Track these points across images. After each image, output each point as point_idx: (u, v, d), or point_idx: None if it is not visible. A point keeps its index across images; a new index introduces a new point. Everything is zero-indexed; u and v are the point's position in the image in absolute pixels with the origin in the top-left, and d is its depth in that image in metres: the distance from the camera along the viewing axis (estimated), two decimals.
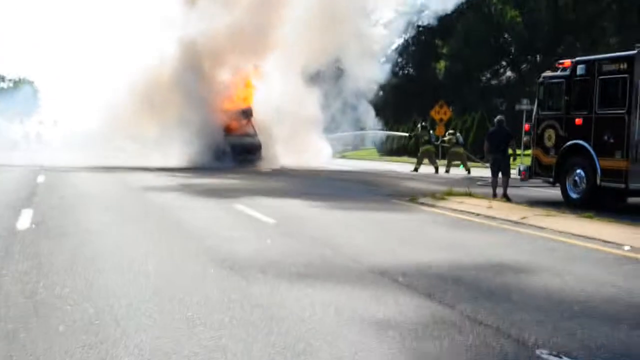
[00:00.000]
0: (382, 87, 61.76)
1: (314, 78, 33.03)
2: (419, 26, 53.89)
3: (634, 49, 12.47)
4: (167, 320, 5.09)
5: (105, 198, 14.02)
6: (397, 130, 47.87)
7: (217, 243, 8.52)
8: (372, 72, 35.32)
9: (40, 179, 18.89)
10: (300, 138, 31.46)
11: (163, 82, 29.40)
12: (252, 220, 10.91)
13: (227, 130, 29.17)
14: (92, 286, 6.11)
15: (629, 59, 12.45)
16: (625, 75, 12.42)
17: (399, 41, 60.87)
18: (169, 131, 30.18)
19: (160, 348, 4.46)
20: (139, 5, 30.29)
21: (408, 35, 57.75)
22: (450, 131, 29.23)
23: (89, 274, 6.61)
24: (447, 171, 26.21)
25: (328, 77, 34.32)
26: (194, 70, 28.93)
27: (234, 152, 28.47)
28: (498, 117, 15.54)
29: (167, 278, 6.48)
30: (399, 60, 61.33)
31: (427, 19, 53.29)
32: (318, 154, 32.69)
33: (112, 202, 13.36)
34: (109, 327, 4.90)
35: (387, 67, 39.82)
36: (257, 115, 30.50)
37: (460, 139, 27.56)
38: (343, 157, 45.58)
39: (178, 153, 28.71)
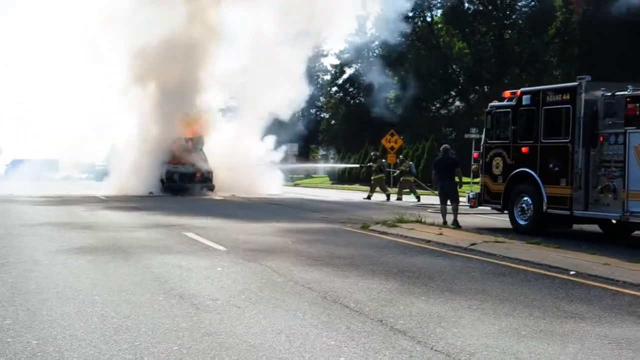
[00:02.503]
0: (334, 116, 62.32)
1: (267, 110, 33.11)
2: (369, 57, 54.76)
3: (575, 81, 12.88)
4: (113, 350, 4.95)
5: (51, 228, 13.67)
6: (349, 158, 48.24)
7: (167, 271, 8.37)
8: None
9: None
10: (253, 166, 31.35)
11: (110, 109, 29.13)
12: (203, 247, 10.77)
13: (177, 159, 28.91)
14: (34, 317, 5.92)
15: (571, 90, 12.84)
16: (568, 106, 12.79)
17: (350, 71, 61.77)
18: (117, 160, 29.82)
19: None
20: (86, 32, 30.02)
21: (359, 65, 58.61)
22: (401, 157, 29.59)
23: (32, 304, 6.41)
24: (398, 199, 26.44)
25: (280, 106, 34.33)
26: (143, 97, 28.71)
27: (183, 180, 28.19)
28: (444, 145, 15.84)
29: (114, 307, 6.32)
30: (351, 89, 62.10)
31: (378, 49, 54.31)
32: (270, 182, 32.62)
33: (58, 232, 13.03)
34: (52, 358, 4.75)
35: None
36: (210, 144, 30.34)
37: (413, 168, 27.92)
38: (296, 184, 45.62)
39: (126, 181, 28.28)
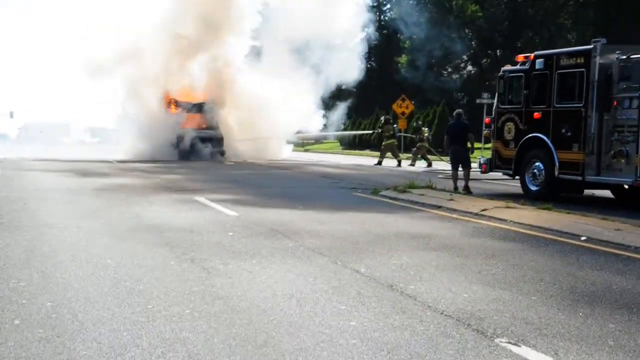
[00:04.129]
0: (340, 85, 61.83)
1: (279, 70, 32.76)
2: (380, 20, 54.13)
3: (590, 44, 12.70)
4: (126, 313, 5.02)
5: (64, 192, 13.77)
6: (360, 124, 48.04)
7: (179, 235, 8.43)
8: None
9: None
10: (263, 131, 31.24)
11: (122, 73, 28.97)
12: (214, 212, 10.83)
13: (189, 124, 28.92)
14: (49, 280, 5.99)
15: (586, 54, 12.66)
16: (582, 70, 12.63)
17: (362, 35, 61.02)
18: (129, 124, 29.85)
19: (119, 340, 4.40)
20: None
21: (370, 29, 57.95)
22: (419, 122, 29.49)
23: (46, 267, 6.49)
24: (412, 164, 26.38)
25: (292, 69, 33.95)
26: (155, 61, 28.52)
27: (195, 144, 28.23)
28: (457, 110, 15.73)
29: (127, 271, 6.39)
30: (362, 54, 61.44)
31: (389, 13, 53.65)
32: (281, 148, 32.64)
33: (71, 196, 13.12)
34: (66, 320, 4.81)
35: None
36: (221, 108, 30.24)
37: (429, 135, 27.95)
38: (306, 150, 45.62)
39: (137, 146, 28.35)
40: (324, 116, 37.46)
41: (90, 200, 12.31)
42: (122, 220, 9.74)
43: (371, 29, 52.60)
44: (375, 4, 55.52)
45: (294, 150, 37.18)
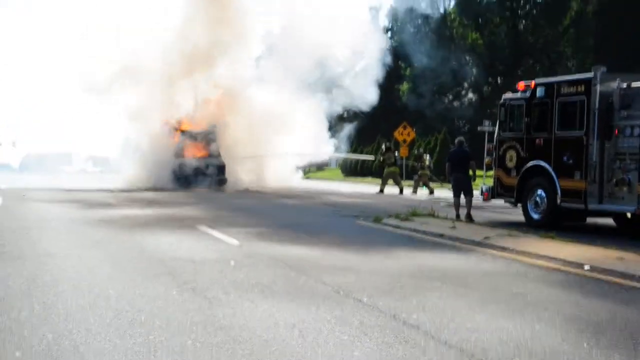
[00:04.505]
0: (347, 109, 62.12)
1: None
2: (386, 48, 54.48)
3: (590, 72, 12.77)
4: (127, 344, 4.98)
5: (67, 221, 13.76)
6: (362, 151, 48.10)
7: (180, 265, 8.40)
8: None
9: None
10: (266, 159, 31.23)
11: (124, 92, 28.97)
12: (216, 241, 10.81)
13: (190, 151, 28.97)
14: (50, 310, 5.96)
15: (586, 82, 12.73)
16: (583, 97, 12.69)
17: (363, 63, 61.43)
18: (130, 151, 29.90)
19: None
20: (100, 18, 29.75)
21: (371, 57, 58.31)
22: (420, 150, 29.55)
23: (48, 297, 6.46)
24: (414, 192, 26.37)
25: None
26: (158, 80, 28.49)
27: (195, 173, 28.21)
28: (458, 138, 15.78)
29: (128, 301, 6.36)
30: (376, 78, 61.72)
31: (390, 41, 54.03)
32: (285, 175, 32.60)
33: (73, 225, 13.12)
34: (67, 352, 4.78)
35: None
36: (223, 136, 30.26)
37: (431, 163, 28.01)
38: (307, 177, 45.64)
39: (138, 174, 28.37)
40: (335, 145, 37.48)
41: (92, 230, 12.31)
42: (123, 250, 9.72)
43: (388, 57, 52.84)
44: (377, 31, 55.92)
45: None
